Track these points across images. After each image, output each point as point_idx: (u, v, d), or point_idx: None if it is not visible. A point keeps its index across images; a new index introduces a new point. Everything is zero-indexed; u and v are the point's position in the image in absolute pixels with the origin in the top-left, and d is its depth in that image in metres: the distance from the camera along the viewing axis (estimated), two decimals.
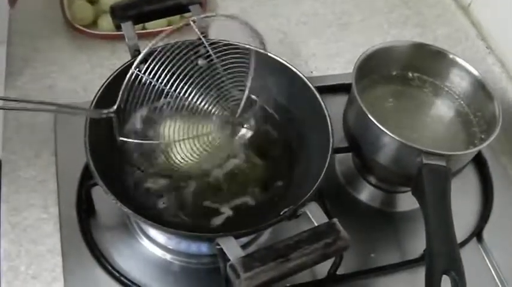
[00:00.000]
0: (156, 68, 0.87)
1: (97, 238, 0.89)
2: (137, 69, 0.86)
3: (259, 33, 0.88)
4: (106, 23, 1.13)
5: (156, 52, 0.87)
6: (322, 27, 1.26)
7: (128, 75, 0.86)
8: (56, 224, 0.90)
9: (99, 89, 0.86)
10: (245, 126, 0.90)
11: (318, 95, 0.90)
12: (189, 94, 0.88)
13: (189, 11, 0.95)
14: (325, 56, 1.20)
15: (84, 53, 1.13)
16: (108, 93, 0.87)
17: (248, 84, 0.88)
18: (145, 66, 0.87)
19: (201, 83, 0.89)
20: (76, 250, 0.87)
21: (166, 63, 0.87)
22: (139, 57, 0.86)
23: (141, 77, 0.87)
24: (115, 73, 0.89)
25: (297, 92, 0.93)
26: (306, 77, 0.92)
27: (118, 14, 0.92)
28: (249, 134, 0.90)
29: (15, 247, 0.88)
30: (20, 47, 1.11)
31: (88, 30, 1.13)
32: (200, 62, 0.93)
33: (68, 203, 0.91)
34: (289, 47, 1.20)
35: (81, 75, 1.09)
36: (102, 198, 0.85)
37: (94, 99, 0.85)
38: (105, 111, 0.84)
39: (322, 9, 1.29)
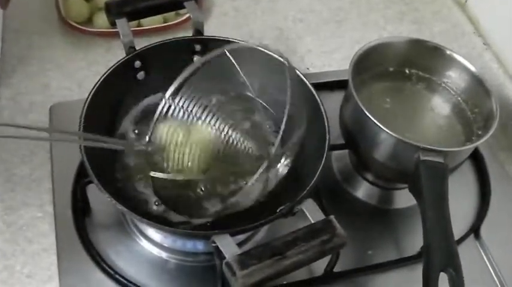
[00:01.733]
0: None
1: (92, 237, 0.88)
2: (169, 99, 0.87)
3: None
4: (101, 20, 1.13)
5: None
6: (318, 23, 1.26)
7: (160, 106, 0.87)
8: (52, 223, 0.89)
9: (94, 86, 0.86)
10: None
11: (314, 92, 0.89)
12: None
13: (184, 7, 0.95)
14: (321, 52, 1.20)
15: (79, 51, 1.12)
16: (103, 91, 0.86)
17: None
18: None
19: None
20: (71, 249, 0.87)
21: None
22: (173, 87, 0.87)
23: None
24: (110, 70, 0.88)
25: (294, 89, 0.92)
26: (302, 74, 0.91)
27: (113, 11, 0.91)
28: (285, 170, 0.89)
29: (10, 246, 0.87)
30: (15, 45, 1.11)
31: (83, 28, 1.12)
32: (195, 59, 0.93)
33: (64, 202, 0.90)
34: (285, 44, 1.19)
35: (76, 72, 1.08)
36: (98, 196, 0.84)
37: (88, 96, 0.85)
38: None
39: (318, 6, 1.29)
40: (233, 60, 0.88)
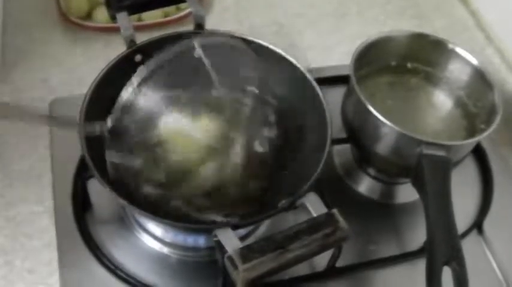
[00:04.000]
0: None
1: (93, 232, 0.88)
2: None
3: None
4: (101, 15, 1.12)
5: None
6: (319, 18, 1.25)
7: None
8: (52, 218, 0.89)
9: (94, 81, 0.85)
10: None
11: (316, 86, 0.89)
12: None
13: (184, 1, 0.94)
14: (321, 47, 1.19)
15: (79, 46, 1.12)
16: (103, 85, 0.86)
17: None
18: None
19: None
20: (72, 244, 0.86)
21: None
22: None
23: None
24: (111, 64, 0.88)
25: (295, 83, 0.92)
26: (304, 69, 0.91)
27: (113, 4, 0.91)
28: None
29: (10, 241, 0.87)
30: (14, 40, 1.10)
31: (83, 23, 1.12)
32: (196, 52, 0.92)
33: (64, 197, 0.90)
34: (285, 39, 1.19)
35: (76, 67, 1.08)
36: (98, 191, 0.85)
37: (89, 91, 0.84)
38: None
39: (319, 1, 1.28)
40: (202, 55, 0.88)
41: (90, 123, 0.82)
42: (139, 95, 0.86)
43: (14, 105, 0.73)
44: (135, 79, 0.87)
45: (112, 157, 0.83)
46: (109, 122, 0.85)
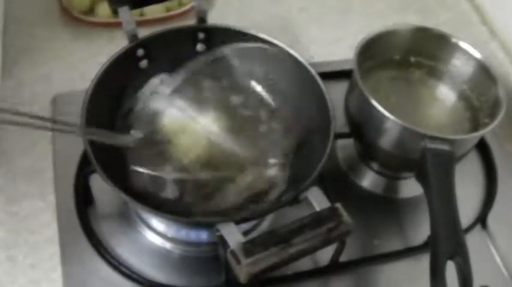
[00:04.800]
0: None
1: (95, 227, 0.88)
2: None
3: None
4: (103, 10, 1.12)
5: None
6: (322, 13, 1.25)
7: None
8: (54, 213, 0.89)
9: (96, 75, 0.85)
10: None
11: (319, 81, 0.89)
12: None
13: None
14: (325, 42, 1.19)
15: (82, 41, 1.11)
16: (105, 80, 0.85)
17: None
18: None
19: None
20: (74, 239, 0.86)
21: None
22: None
23: None
24: (113, 58, 0.87)
25: (299, 78, 0.91)
26: (307, 63, 0.91)
27: None
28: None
29: (12, 237, 0.87)
30: (16, 36, 1.10)
31: (85, 18, 1.12)
32: (199, 47, 0.92)
33: (66, 192, 0.90)
34: (289, 34, 1.18)
35: (78, 63, 1.08)
36: (100, 186, 0.84)
37: (91, 85, 0.84)
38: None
39: None
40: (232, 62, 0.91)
41: (119, 134, 0.85)
42: (170, 104, 0.89)
43: (14, 110, 0.72)
44: (166, 88, 0.89)
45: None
46: (138, 133, 0.87)
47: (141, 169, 0.84)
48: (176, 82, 0.90)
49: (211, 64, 0.91)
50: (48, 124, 0.80)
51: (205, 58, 0.91)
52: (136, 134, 0.87)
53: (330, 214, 0.73)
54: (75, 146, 0.87)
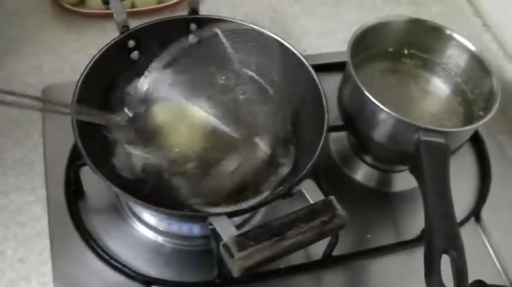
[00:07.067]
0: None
1: (86, 221, 0.87)
2: None
3: None
4: (94, 1, 1.11)
5: None
6: (314, 5, 1.24)
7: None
8: (44, 207, 0.88)
9: (87, 66, 0.84)
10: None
11: (313, 72, 0.88)
12: None
13: None
14: (317, 34, 1.18)
15: (72, 33, 1.10)
16: (96, 71, 0.84)
17: None
18: None
19: None
20: (65, 233, 0.85)
21: None
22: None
23: None
24: (103, 49, 0.87)
25: (292, 70, 0.91)
26: (301, 55, 0.90)
27: None
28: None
29: (2, 230, 0.86)
30: (7, 27, 1.09)
31: (76, 9, 1.11)
32: (191, 38, 0.91)
33: (56, 185, 0.89)
34: (280, 26, 1.18)
35: (69, 55, 1.07)
36: (91, 179, 0.83)
37: (81, 76, 0.83)
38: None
39: None
40: (225, 41, 0.88)
41: (110, 114, 0.84)
42: (161, 81, 0.88)
43: (6, 90, 0.71)
44: (155, 66, 0.88)
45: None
46: (129, 112, 0.86)
47: (132, 150, 0.83)
48: (167, 58, 0.88)
49: (202, 43, 0.89)
50: (40, 104, 0.79)
51: (196, 35, 0.90)
52: (127, 113, 0.86)
53: (324, 206, 0.72)
54: (66, 139, 0.86)
